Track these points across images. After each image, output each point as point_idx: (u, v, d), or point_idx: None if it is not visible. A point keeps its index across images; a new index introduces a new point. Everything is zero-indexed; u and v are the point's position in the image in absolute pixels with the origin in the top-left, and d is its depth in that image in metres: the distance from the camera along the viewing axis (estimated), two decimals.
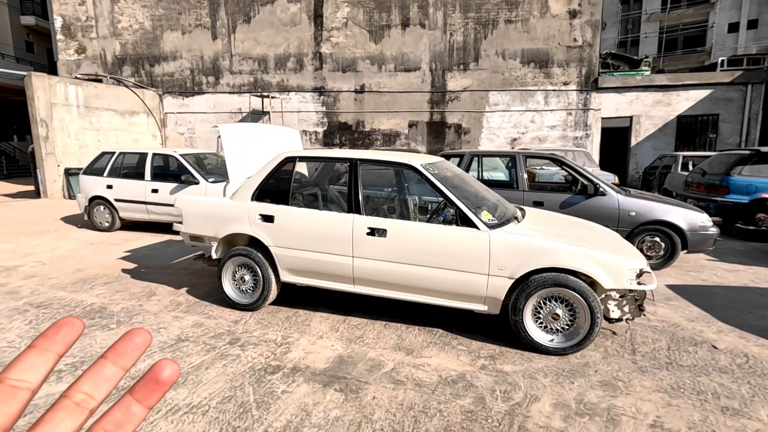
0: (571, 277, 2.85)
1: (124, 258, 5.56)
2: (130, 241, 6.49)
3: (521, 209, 3.89)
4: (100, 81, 13.17)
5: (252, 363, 2.88)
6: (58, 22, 13.53)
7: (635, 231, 5.02)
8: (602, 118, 13.40)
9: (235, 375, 2.73)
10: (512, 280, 2.97)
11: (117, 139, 12.41)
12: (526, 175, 5.45)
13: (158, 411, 2.36)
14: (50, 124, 10.73)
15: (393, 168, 3.58)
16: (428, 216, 3.66)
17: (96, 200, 7.08)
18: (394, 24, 13.26)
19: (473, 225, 3.07)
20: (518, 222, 3.34)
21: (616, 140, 14.56)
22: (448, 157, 6.07)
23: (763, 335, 3.25)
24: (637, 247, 5.07)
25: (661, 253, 5.02)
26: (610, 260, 2.84)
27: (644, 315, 3.15)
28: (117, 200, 6.94)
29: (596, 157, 13.43)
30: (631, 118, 13.47)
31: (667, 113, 13.31)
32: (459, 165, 5.75)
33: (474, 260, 3.04)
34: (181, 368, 2.81)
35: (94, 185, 7.07)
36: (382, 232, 3.26)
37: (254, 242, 3.80)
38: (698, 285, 4.48)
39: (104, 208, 7.06)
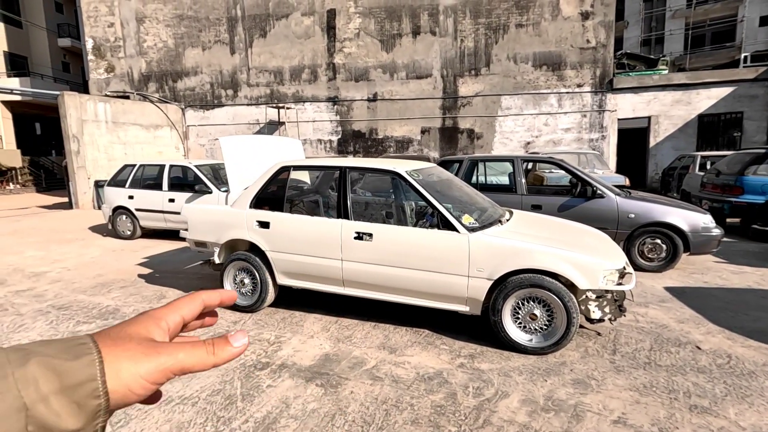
0: (547, 277, 2.92)
1: (141, 264, 5.92)
2: (148, 248, 6.87)
3: (510, 212, 3.97)
4: (128, 97, 13.93)
5: (244, 360, 3.08)
6: (89, 44, 14.42)
7: (635, 233, 4.99)
8: (619, 119, 13.17)
9: (227, 371, 2.93)
10: (491, 282, 3.06)
11: (142, 151, 13.07)
12: (524, 179, 5.49)
13: None
14: (81, 139, 11.43)
15: (379, 175, 3.74)
16: (416, 220, 3.80)
17: (119, 210, 7.53)
18: (405, 32, 13.48)
19: (454, 228, 3.19)
20: (501, 225, 3.43)
21: (634, 141, 14.26)
22: (447, 162, 6.18)
23: (752, 336, 3.21)
24: (638, 250, 5.04)
25: (663, 255, 4.96)
26: (585, 261, 2.89)
27: (625, 315, 3.17)
28: (137, 210, 7.37)
29: (613, 158, 13.20)
30: (649, 118, 13.18)
31: (687, 112, 12.96)
32: (458, 170, 5.85)
33: (454, 262, 3.15)
34: None
35: (117, 196, 7.53)
36: (368, 236, 3.42)
37: (254, 247, 4.02)
38: (698, 287, 4.41)
39: (126, 218, 7.50)
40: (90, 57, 14.50)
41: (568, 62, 12.94)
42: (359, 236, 3.44)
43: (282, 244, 3.74)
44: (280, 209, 3.85)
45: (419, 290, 3.31)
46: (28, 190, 20.94)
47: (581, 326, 3.44)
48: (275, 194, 3.95)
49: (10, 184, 21.20)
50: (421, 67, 13.56)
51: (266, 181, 3.91)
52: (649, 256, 5.00)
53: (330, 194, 4.75)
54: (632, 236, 5.01)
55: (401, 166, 3.59)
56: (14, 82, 21.84)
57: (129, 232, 7.53)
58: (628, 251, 5.03)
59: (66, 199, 13.70)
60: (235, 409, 2.48)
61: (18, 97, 21.47)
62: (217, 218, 4.07)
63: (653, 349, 3.07)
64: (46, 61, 24.86)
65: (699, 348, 3.06)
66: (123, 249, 6.86)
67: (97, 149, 11.82)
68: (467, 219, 3.28)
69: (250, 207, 3.93)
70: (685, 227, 4.79)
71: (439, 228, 3.26)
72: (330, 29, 13.75)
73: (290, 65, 14.05)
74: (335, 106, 14.07)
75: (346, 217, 3.56)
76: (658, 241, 4.96)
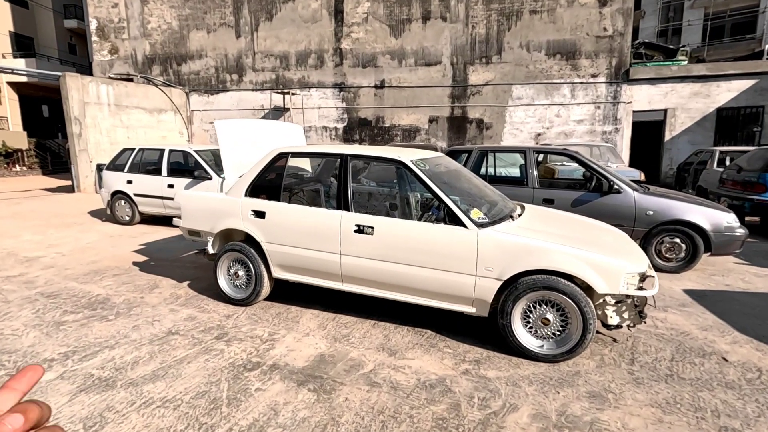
0: (562, 279, 2.68)
1: (137, 251, 5.75)
2: (146, 235, 6.71)
3: (522, 206, 3.72)
4: (131, 80, 13.70)
5: (233, 359, 2.89)
6: (93, 24, 14.16)
7: (653, 231, 4.71)
8: (634, 112, 12.73)
9: (215, 370, 2.74)
10: (500, 282, 2.83)
11: (146, 136, 12.88)
12: (536, 172, 5.22)
13: (132, 403, 2.39)
14: (83, 122, 11.26)
15: (383, 164, 3.49)
16: (421, 213, 3.56)
17: (117, 195, 7.36)
18: (414, 18, 13.07)
19: (461, 223, 2.95)
20: (513, 220, 3.19)
21: (649, 135, 13.81)
22: (455, 153, 5.91)
23: None
24: (655, 249, 4.77)
25: (682, 255, 4.69)
26: (605, 262, 2.65)
27: (645, 322, 2.93)
28: (136, 195, 7.19)
29: (627, 152, 12.80)
30: (665, 111, 12.73)
31: (705, 105, 12.49)
32: (466, 161, 5.58)
33: (461, 260, 2.91)
34: (165, 362, 2.85)
35: (115, 180, 7.36)
36: (369, 230, 3.19)
37: (249, 238, 3.81)
38: (720, 290, 4.15)
39: (125, 203, 7.33)
40: (94, 38, 14.25)
41: (583, 51, 12.48)
42: (360, 229, 3.22)
43: (278, 235, 3.53)
44: (277, 198, 3.62)
45: (422, 289, 3.08)
46: (34, 173, 20.91)
47: (596, 331, 3.21)
48: (272, 182, 3.72)
49: (17, 165, 21.17)
50: (431, 54, 13.17)
51: (263, 168, 3.69)
52: (667, 255, 4.74)
53: (331, 183, 4.52)
54: (650, 234, 4.73)
55: (406, 155, 3.34)
56: (20, 63, 21.66)
57: (128, 218, 7.37)
58: (645, 250, 4.76)
59: (70, 183, 13.60)
60: (220, 415, 2.29)
61: (24, 79, 21.30)
62: (211, 206, 3.86)
63: (675, 359, 2.83)
64: (53, 43, 24.64)
65: (725, 360, 2.82)
66: (121, 235, 6.70)
67: (99, 132, 11.65)
68: (476, 213, 3.04)
69: (246, 195, 3.71)
70: (707, 226, 4.51)
71: (445, 222, 3.02)
72: (338, 13, 13.36)
73: (296, 50, 13.71)
74: (341, 93, 13.75)
75: (347, 208, 3.33)
76: (677, 240, 4.68)
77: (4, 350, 3.01)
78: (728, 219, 4.56)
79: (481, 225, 2.94)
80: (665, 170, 13.03)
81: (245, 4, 13.65)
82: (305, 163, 5.09)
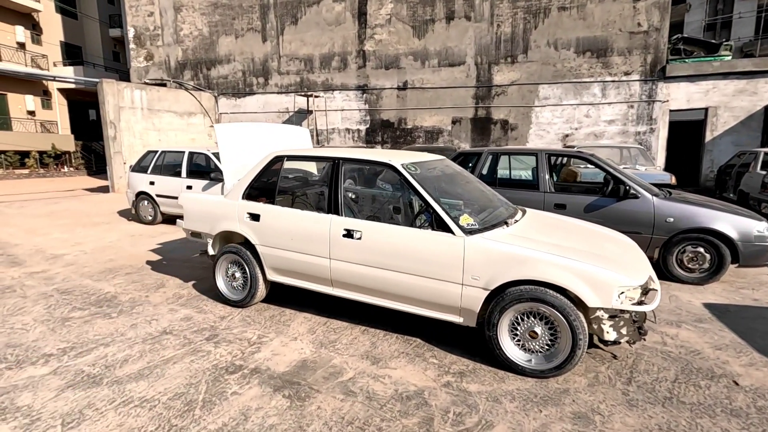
0: (551, 291, 2.53)
1: (153, 250, 5.96)
2: (165, 234, 6.95)
3: (523, 212, 3.55)
4: (165, 85, 14.30)
5: (218, 361, 2.91)
6: (130, 33, 14.90)
7: (674, 239, 4.40)
8: (671, 111, 12.03)
9: (197, 372, 2.77)
10: (487, 291, 2.71)
11: (176, 138, 13.40)
12: (547, 175, 5.00)
13: (112, 401, 2.45)
14: (118, 125, 11.84)
15: (375, 167, 3.43)
16: (413, 218, 3.46)
17: (141, 195, 7.68)
18: (438, 18, 12.92)
19: (449, 229, 2.84)
20: (507, 227, 3.05)
21: (688, 135, 13.01)
22: (466, 155, 5.76)
23: None
24: (677, 259, 4.45)
25: (706, 265, 4.35)
26: (597, 274, 2.47)
27: (644, 339, 2.72)
28: (158, 195, 7.47)
29: (662, 153, 12.11)
30: (706, 110, 11.95)
31: (752, 104, 11.62)
32: (475, 164, 5.42)
33: (447, 267, 2.81)
34: (152, 361, 2.91)
35: (139, 181, 7.67)
36: (357, 234, 3.14)
37: (247, 240, 3.85)
38: (745, 305, 3.81)
39: (148, 203, 7.63)
40: (131, 46, 14.99)
41: (615, 48, 11.92)
42: (348, 234, 3.17)
43: (271, 238, 3.54)
44: (272, 201, 3.64)
45: (410, 296, 3.00)
46: (80, 173, 22.23)
47: (596, 346, 3.02)
48: (268, 185, 3.74)
49: (65, 167, 22.61)
50: (454, 54, 12.97)
51: (259, 171, 3.71)
52: (690, 266, 4.41)
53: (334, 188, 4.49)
54: (670, 243, 4.42)
55: (397, 158, 3.27)
56: (69, 71, 23.13)
57: (150, 218, 7.67)
58: (665, 259, 4.46)
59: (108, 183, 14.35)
60: (191, 418, 2.30)
61: (72, 85, 22.73)
62: (211, 209, 3.93)
63: (678, 380, 2.60)
64: (99, 51, 26.16)
65: (736, 383, 2.56)
66: (141, 234, 6.97)
67: (132, 135, 12.22)
68: (466, 219, 2.92)
69: (243, 198, 3.75)
70: (733, 235, 4.16)
71: (433, 228, 2.92)
72: (361, 15, 13.41)
73: (320, 53, 13.87)
74: (364, 95, 13.79)
75: (337, 212, 3.29)
76: (701, 249, 4.34)
77: (10, 344, 3.17)
78: (759, 227, 4.19)
79: (469, 231, 2.82)
80: (705, 173, 12.23)
81: (271, 9, 13.95)
82: (312, 167, 5.09)
